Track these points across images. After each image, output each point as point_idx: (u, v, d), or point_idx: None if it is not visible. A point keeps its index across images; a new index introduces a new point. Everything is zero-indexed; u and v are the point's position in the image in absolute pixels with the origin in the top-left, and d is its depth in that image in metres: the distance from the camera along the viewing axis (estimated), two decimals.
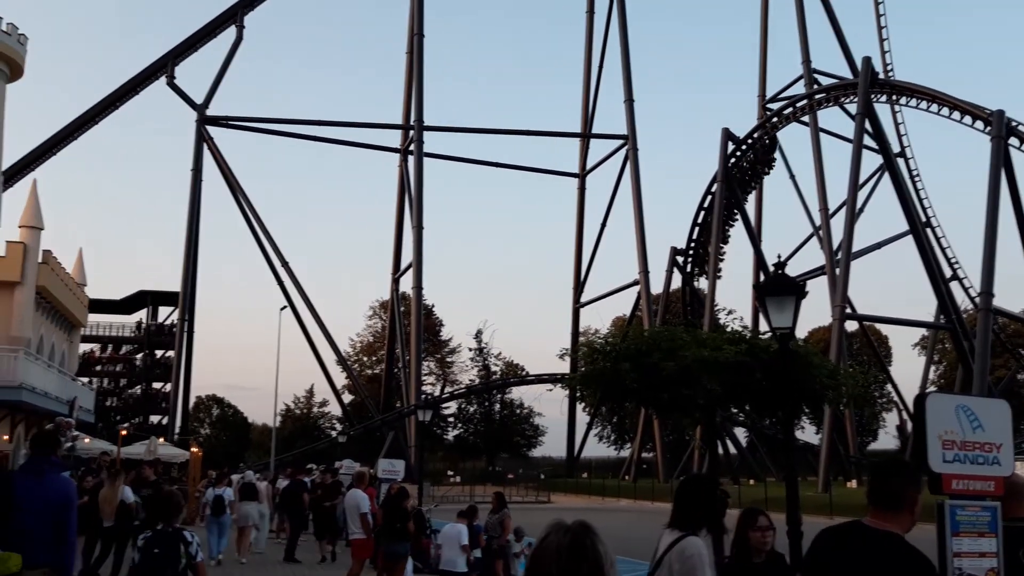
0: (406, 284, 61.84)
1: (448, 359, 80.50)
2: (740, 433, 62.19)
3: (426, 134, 59.64)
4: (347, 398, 68.95)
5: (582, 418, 68.43)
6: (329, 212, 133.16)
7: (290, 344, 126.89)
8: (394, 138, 65.72)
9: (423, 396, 56.64)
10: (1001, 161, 45.00)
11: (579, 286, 70.23)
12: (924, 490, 3.85)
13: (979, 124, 46.92)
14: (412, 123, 60.15)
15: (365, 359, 78.63)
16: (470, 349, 79.56)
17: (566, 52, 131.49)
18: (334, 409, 73.71)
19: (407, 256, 61.21)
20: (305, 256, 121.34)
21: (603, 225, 67.13)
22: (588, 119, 71.35)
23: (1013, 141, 45.87)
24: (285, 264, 56.10)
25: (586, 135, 70.94)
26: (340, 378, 67.20)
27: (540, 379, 62.89)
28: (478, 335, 78.86)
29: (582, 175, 71.23)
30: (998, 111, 45.50)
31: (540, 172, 71.68)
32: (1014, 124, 45.77)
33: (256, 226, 56.64)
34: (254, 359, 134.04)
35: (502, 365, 79.88)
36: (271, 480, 24.09)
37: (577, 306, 69.95)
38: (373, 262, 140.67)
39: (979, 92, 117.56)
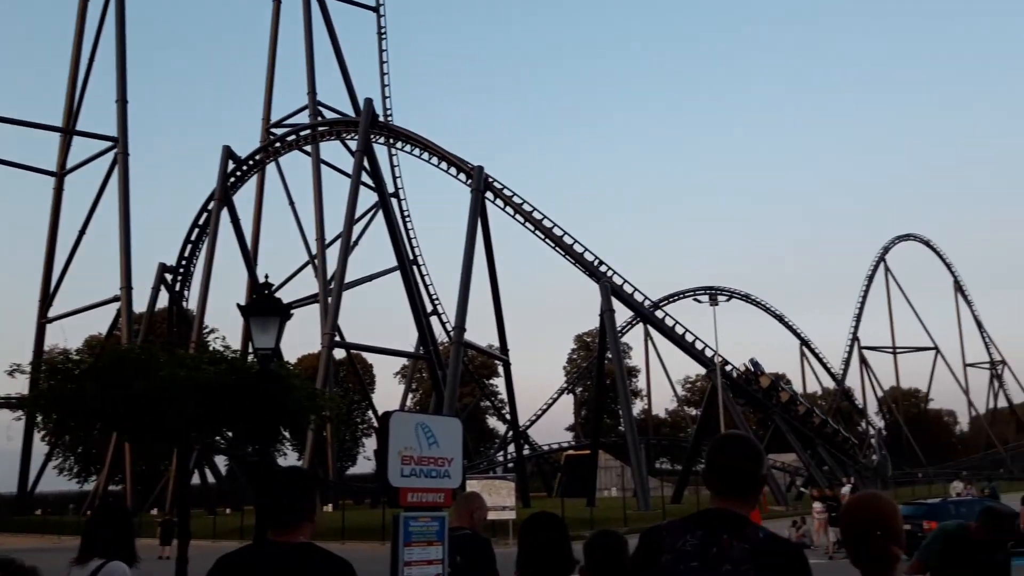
0: None
1: None
2: (220, 462, 60.62)
3: None
4: None
5: (40, 447, 60.64)
6: None
7: None
8: None
9: None
10: (478, 211, 50.48)
11: (47, 298, 62.17)
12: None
13: (463, 176, 52.35)
14: None
15: None
16: None
17: (58, 36, 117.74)
18: None
19: None
20: None
21: (81, 232, 60.20)
22: (73, 113, 64.17)
23: (489, 195, 51.73)
24: None
25: (68, 131, 63.64)
26: None
27: None
28: None
29: (60, 174, 63.56)
30: (478, 166, 51.02)
31: (7, 165, 62.23)
32: (491, 180, 51.67)
33: None
34: None
35: None
36: None
37: (43, 321, 61.82)
38: None
39: (467, 147, 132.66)
